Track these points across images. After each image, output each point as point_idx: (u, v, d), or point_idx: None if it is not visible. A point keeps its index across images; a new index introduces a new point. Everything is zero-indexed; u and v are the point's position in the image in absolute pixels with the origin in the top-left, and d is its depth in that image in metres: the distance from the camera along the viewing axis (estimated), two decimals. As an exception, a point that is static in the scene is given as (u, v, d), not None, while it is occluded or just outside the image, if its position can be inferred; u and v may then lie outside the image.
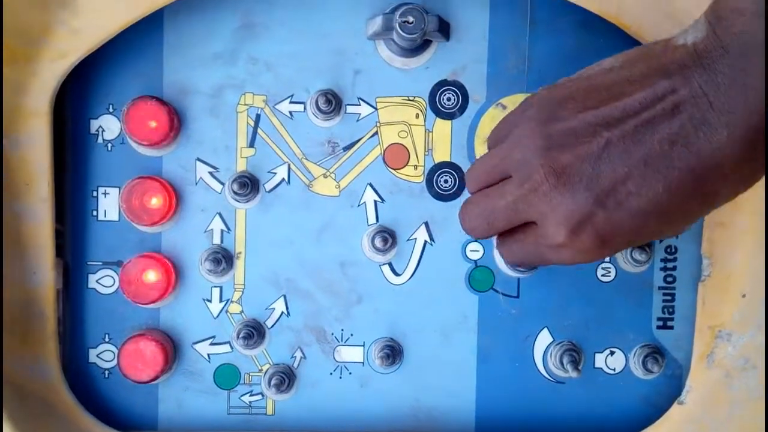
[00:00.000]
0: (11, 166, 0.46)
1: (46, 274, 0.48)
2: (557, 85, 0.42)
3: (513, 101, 0.52)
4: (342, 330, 0.53)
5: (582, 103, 0.39)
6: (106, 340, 0.52)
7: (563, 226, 0.39)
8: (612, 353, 0.54)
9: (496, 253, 0.52)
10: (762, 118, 0.35)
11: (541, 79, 0.52)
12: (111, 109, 0.51)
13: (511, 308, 0.53)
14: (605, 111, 0.38)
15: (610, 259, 0.53)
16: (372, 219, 0.52)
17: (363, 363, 0.53)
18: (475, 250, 0.53)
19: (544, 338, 0.53)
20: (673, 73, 0.37)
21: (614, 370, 0.54)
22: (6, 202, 0.47)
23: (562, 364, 0.52)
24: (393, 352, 0.51)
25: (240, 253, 0.52)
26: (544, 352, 0.53)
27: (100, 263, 0.51)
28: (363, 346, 0.53)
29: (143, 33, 0.49)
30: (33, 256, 0.47)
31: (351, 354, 0.53)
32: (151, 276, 0.50)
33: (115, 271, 0.51)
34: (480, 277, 0.53)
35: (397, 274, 0.53)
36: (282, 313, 0.52)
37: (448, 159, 0.52)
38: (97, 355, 0.52)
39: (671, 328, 0.54)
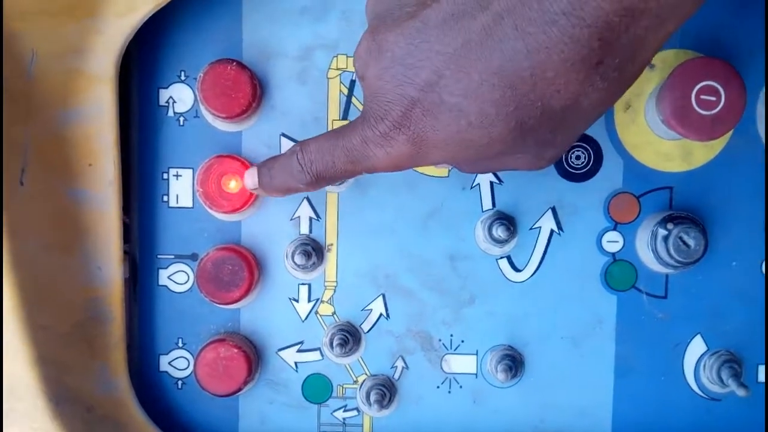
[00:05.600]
0: (70, 144, 0.40)
1: (113, 269, 0.41)
2: None
3: (662, 59, 0.43)
4: (451, 336, 0.45)
5: None
6: (180, 345, 0.45)
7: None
8: (777, 365, 0.44)
9: (640, 245, 0.43)
10: None
11: (698, 34, 0.42)
12: (183, 77, 0.43)
13: (658, 311, 0.44)
14: None
15: (776, 251, 0.44)
16: (488, 204, 0.44)
17: (476, 375, 0.45)
18: (613, 241, 0.44)
19: (697, 347, 0.44)
20: None
21: (779, 385, 0.44)
22: (63, 187, 0.40)
23: (720, 378, 0.43)
24: (514, 363, 0.43)
25: (331, 245, 0.44)
26: (697, 363, 0.44)
27: (172, 257, 0.44)
28: (476, 354, 0.45)
29: (219, -15, 0.42)
30: (97, 249, 0.40)
31: (462, 364, 0.45)
32: (231, 269, 0.43)
33: (190, 266, 0.44)
34: (619, 274, 0.44)
35: (517, 270, 0.44)
36: (381, 315, 0.45)
37: (580, 131, 0.43)
38: (169, 363, 0.45)
39: None
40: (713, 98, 0.39)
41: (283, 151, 0.43)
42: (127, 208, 0.44)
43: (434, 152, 0.32)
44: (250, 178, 0.39)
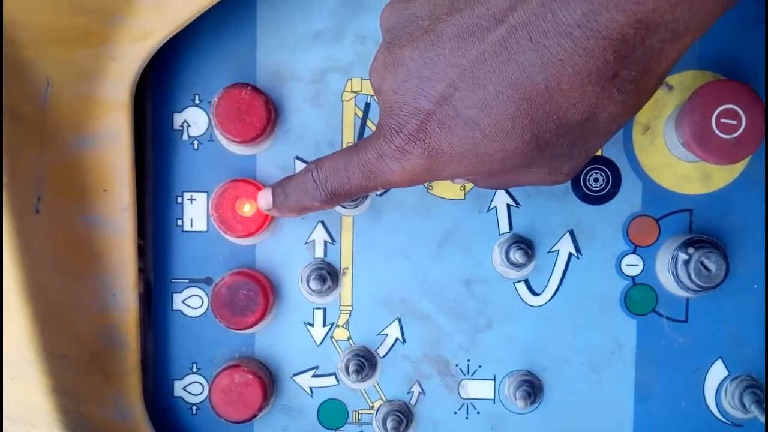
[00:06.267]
0: (84, 170, 0.39)
1: (128, 295, 0.41)
2: None
3: (681, 80, 0.42)
4: (468, 361, 0.44)
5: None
6: (194, 370, 0.44)
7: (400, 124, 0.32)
8: (799, 389, 0.43)
9: (660, 268, 0.43)
10: None
11: (717, 56, 0.42)
12: (197, 101, 0.43)
13: (678, 335, 0.43)
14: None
15: (799, 273, 0.43)
16: (504, 227, 0.43)
17: (494, 400, 0.44)
18: (632, 264, 0.43)
19: (718, 371, 0.43)
20: None
21: (801, 409, 0.43)
22: (77, 213, 0.40)
23: (742, 403, 0.42)
24: (533, 389, 0.43)
25: (346, 268, 0.44)
26: (718, 388, 0.43)
27: (187, 281, 0.44)
28: (494, 380, 0.44)
29: (233, 10, 0.42)
30: (112, 275, 0.40)
31: (479, 389, 0.44)
32: (246, 294, 0.42)
33: (204, 290, 0.44)
34: (639, 298, 0.43)
35: (535, 294, 0.44)
36: (396, 339, 0.44)
37: (598, 153, 0.43)
38: (184, 388, 0.44)
39: None
40: (734, 122, 0.38)
41: (297, 175, 0.43)
42: (141, 232, 0.43)
43: (450, 166, 0.32)
44: (264, 199, 0.39)
